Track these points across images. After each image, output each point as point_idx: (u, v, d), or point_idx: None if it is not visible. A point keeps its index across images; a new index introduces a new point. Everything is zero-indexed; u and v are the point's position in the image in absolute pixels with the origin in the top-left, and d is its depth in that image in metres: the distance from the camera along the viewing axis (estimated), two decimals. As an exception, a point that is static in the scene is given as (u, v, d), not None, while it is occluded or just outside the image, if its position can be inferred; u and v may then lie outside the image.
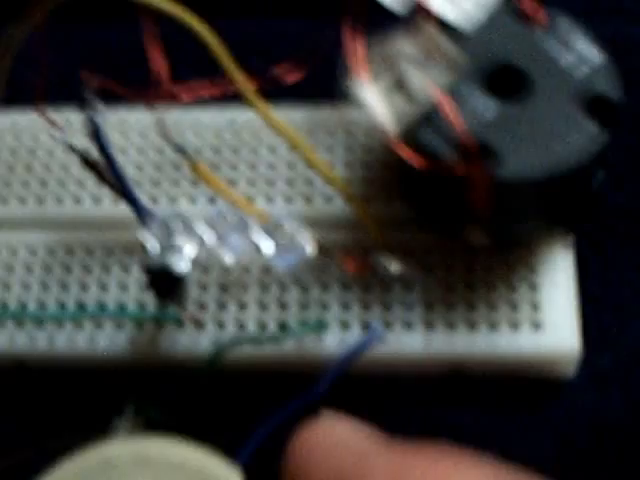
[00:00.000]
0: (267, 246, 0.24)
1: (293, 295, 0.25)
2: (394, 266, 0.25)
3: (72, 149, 0.26)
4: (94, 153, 0.25)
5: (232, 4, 0.30)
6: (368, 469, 0.18)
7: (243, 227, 0.24)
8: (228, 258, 0.24)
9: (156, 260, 0.23)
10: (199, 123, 0.27)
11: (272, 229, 0.24)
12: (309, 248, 0.24)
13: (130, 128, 0.28)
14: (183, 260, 0.23)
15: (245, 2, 0.31)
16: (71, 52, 0.30)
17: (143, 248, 0.24)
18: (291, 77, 0.26)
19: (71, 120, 0.28)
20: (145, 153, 0.27)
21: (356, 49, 0.23)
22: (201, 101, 0.26)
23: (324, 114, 0.27)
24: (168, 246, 0.23)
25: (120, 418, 0.24)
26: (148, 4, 0.21)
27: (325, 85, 0.27)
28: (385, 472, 0.18)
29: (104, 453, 0.21)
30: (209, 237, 0.24)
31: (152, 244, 0.23)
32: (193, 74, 0.24)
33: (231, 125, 0.27)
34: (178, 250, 0.23)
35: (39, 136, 0.28)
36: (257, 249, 0.24)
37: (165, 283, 0.23)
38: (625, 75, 0.28)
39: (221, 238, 0.24)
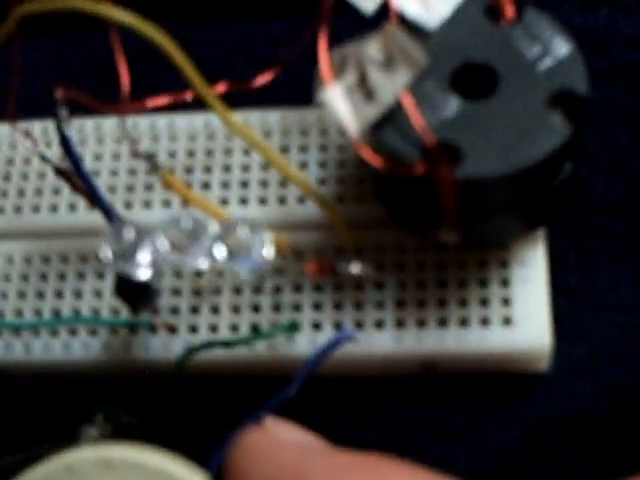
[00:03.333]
0: (222, 252, 0.23)
1: (265, 297, 0.24)
2: (355, 267, 0.24)
3: (45, 159, 0.25)
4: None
5: (214, 8, 0.29)
6: (308, 469, 0.17)
7: (200, 233, 0.23)
8: (187, 265, 0.23)
9: (115, 269, 0.22)
10: (173, 127, 0.27)
11: (230, 234, 0.23)
12: (267, 252, 0.23)
13: (105, 134, 0.27)
14: (141, 268, 0.22)
15: (227, 6, 0.29)
16: (51, 62, 0.30)
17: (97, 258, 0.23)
18: (261, 80, 0.25)
19: (49, 129, 0.27)
20: (119, 159, 0.26)
21: (322, 51, 0.22)
22: (174, 106, 0.25)
23: (298, 115, 0.26)
24: (124, 255, 0.22)
25: (88, 426, 0.23)
26: (109, 18, 0.21)
27: (303, 87, 0.27)
28: (325, 472, 0.17)
29: (66, 459, 0.21)
30: (163, 245, 0.23)
31: (105, 254, 0.22)
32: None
33: (205, 129, 0.26)
34: (134, 258, 0.22)
35: (17, 145, 0.27)
36: (213, 256, 0.23)
37: (130, 291, 0.22)
38: (605, 67, 0.27)
39: (178, 245, 0.23)
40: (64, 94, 0.23)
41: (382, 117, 0.22)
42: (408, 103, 0.22)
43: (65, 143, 0.23)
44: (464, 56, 0.23)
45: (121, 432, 0.23)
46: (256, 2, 0.30)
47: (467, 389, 0.24)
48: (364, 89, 0.22)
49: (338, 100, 0.22)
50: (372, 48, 0.22)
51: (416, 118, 0.21)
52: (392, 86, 0.22)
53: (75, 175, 0.24)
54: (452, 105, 0.22)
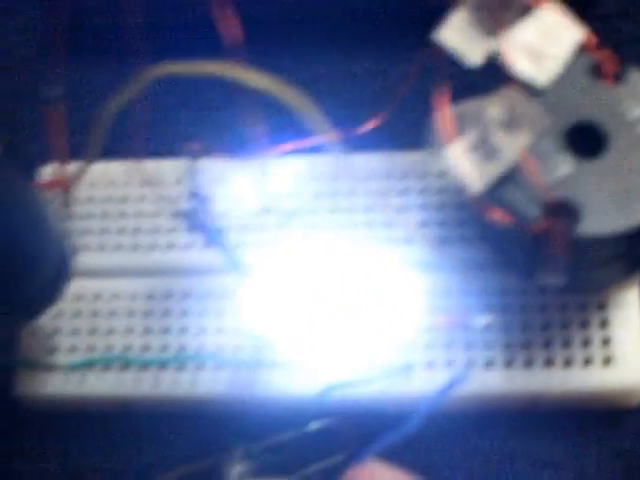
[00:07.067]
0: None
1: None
2: (481, 320, 0.24)
3: (170, 203, 0.25)
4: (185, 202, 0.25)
5: (301, 48, 0.29)
6: None
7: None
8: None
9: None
10: (279, 169, 0.26)
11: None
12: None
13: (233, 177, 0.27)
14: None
15: (313, 46, 0.29)
16: (170, 106, 0.30)
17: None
18: (370, 125, 0.26)
19: (163, 167, 0.27)
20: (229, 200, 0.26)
21: (444, 111, 0.22)
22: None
23: (399, 159, 0.26)
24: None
25: (231, 464, 0.23)
26: (246, 81, 0.20)
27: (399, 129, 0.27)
28: None
29: None
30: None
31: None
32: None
33: (310, 171, 0.26)
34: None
35: (130, 185, 0.27)
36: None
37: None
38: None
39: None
40: (197, 148, 0.23)
41: (502, 175, 0.22)
42: (528, 163, 0.22)
43: (198, 194, 0.23)
44: (575, 115, 0.23)
45: (259, 464, 0.23)
46: (339, 40, 0.30)
47: (564, 423, 0.25)
48: (485, 148, 0.22)
49: (461, 158, 0.22)
50: (494, 109, 0.22)
51: (537, 177, 0.22)
52: (515, 146, 0.22)
53: (197, 217, 0.24)
54: (566, 163, 0.22)
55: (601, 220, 0.22)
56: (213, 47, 0.22)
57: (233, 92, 0.27)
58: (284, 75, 0.24)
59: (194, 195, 0.24)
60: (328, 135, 0.22)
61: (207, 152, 0.24)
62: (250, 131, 0.24)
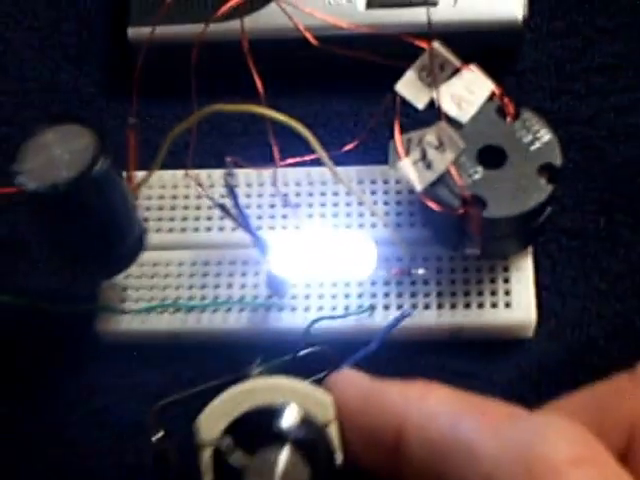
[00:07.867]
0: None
1: (354, 287, 0.35)
2: (419, 270, 0.35)
3: (210, 199, 0.36)
4: (219, 198, 0.36)
5: (304, 93, 0.41)
6: (383, 387, 0.27)
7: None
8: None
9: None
10: (286, 176, 0.37)
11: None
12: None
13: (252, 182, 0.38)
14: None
15: (313, 92, 0.41)
16: (209, 132, 0.40)
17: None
18: (349, 147, 0.37)
19: (203, 175, 0.38)
20: (251, 197, 0.37)
21: (397, 137, 0.33)
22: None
23: (369, 170, 0.38)
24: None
25: (253, 367, 0.33)
26: (272, 117, 0.31)
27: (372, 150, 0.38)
28: (397, 387, 0.27)
29: (246, 385, 0.30)
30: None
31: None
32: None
33: (307, 178, 0.37)
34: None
35: (178, 187, 0.38)
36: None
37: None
38: (567, 138, 0.38)
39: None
40: (231, 161, 0.34)
41: (436, 178, 0.33)
42: (452, 171, 0.33)
43: (232, 193, 0.34)
44: (485, 140, 0.34)
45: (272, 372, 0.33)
46: (331, 89, 0.41)
47: (480, 348, 0.35)
48: (425, 162, 0.33)
49: (408, 168, 0.33)
50: (430, 136, 0.33)
51: (457, 180, 0.33)
52: (443, 160, 0.33)
53: (230, 209, 0.35)
54: (478, 172, 0.33)
55: (501, 208, 0.33)
56: (242, 91, 0.33)
57: (253, 123, 0.39)
58: (292, 111, 0.35)
59: (227, 193, 0.35)
60: (321, 153, 0.33)
61: (236, 164, 0.35)
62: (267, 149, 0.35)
